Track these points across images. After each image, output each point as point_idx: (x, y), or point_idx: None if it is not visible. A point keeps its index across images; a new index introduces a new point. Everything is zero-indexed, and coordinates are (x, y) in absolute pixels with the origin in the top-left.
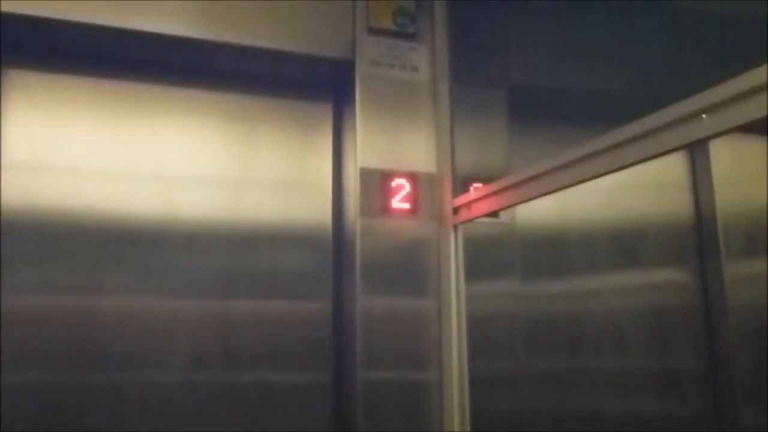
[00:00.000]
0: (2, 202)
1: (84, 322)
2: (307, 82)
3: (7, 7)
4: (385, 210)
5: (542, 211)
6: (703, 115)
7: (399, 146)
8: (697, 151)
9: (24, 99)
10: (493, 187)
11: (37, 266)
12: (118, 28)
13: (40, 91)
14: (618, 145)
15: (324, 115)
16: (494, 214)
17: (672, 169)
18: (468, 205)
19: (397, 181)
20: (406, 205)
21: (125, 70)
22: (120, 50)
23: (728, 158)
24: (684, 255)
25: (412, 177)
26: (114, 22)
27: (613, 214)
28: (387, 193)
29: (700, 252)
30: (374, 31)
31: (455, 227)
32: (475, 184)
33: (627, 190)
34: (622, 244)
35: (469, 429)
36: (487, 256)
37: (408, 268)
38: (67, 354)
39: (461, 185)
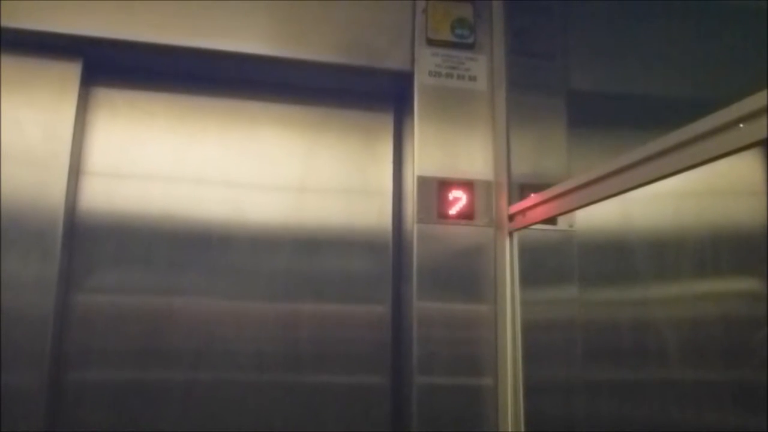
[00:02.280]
0: (84, 206)
1: (156, 322)
2: (369, 94)
3: (93, 31)
4: (442, 217)
5: (605, 218)
6: (741, 125)
7: (456, 154)
8: None
9: (108, 114)
10: (546, 194)
11: (113, 268)
12: (194, 48)
13: (122, 106)
14: (659, 154)
15: (385, 124)
16: (552, 221)
17: (746, 173)
18: (523, 212)
19: (453, 189)
20: (463, 212)
21: (199, 85)
22: (195, 68)
23: None
24: (756, 263)
25: (469, 185)
26: (190, 42)
27: (681, 220)
28: (444, 200)
29: None
30: (433, 43)
31: (511, 234)
32: (533, 192)
33: (697, 195)
34: (690, 252)
35: None
36: (545, 263)
37: (464, 275)
38: (139, 352)
39: (519, 193)
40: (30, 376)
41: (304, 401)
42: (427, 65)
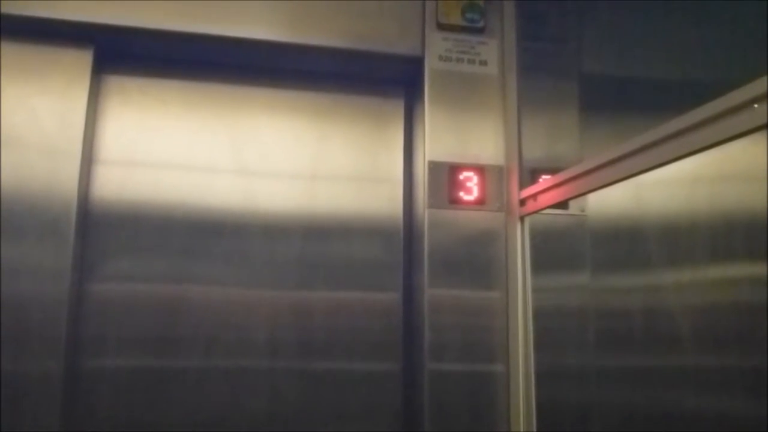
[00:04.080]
0: (97, 194)
1: (169, 310)
2: (379, 79)
3: (104, 19)
4: (453, 202)
5: (616, 203)
6: (755, 105)
7: (467, 139)
8: None
9: (120, 102)
10: (557, 178)
11: (126, 256)
12: (205, 34)
13: (134, 94)
14: (672, 136)
15: (395, 110)
16: (563, 205)
17: (761, 157)
18: (534, 196)
19: (464, 174)
20: (474, 198)
21: (210, 72)
22: (206, 55)
23: None
24: None
25: (480, 169)
26: (202, 29)
27: (693, 206)
28: (455, 185)
29: None
30: (443, 27)
31: (522, 219)
32: (545, 176)
33: (710, 180)
34: (702, 238)
35: (534, 421)
36: (557, 248)
37: (475, 260)
38: (152, 340)
39: (531, 177)
40: (46, 363)
41: (316, 388)
42: (437, 50)
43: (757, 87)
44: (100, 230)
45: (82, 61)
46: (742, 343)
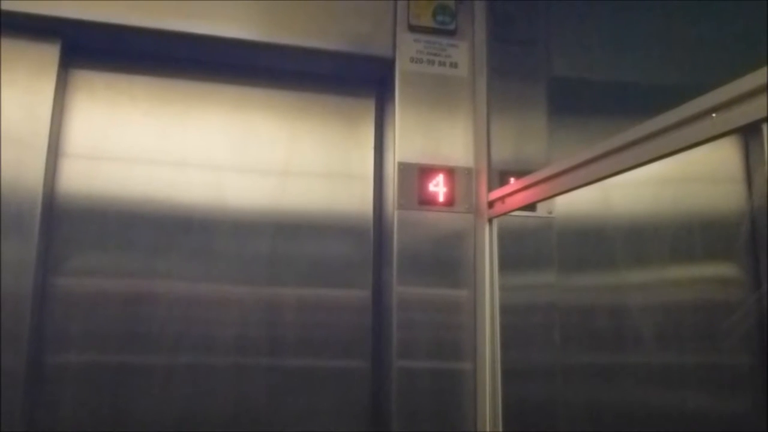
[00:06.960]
0: (63, 189)
1: (136, 306)
2: (351, 79)
3: (71, 13)
4: (423, 203)
5: (583, 205)
6: (713, 114)
7: (437, 141)
8: (751, 141)
9: (86, 96)
10: (526, 180)
11: (92, 251)
12: (174, 31)
13: (101, 88)
14: (636, 142)
15: (367, 110)
16: (531, 207)
17: (725, 160)
18: (502, 198)
19: (434, 176)
20: (443, 199)
21: (180, 69)
22: (176, 51)
23: None
24: (734, 249)
25: (449, 171)
26: (171, 26)
27: (659, 207)
28: (424, 187)
29: (752, 245)
30: (415, 29)
31: (490, 221)
32: (513, 178)
33: (676, 182)
34: (667, 238)
35: (500, 418)
36: (524, 249)
37: (444, 260)
38: (118, 336)
39: (500, 179)
40: (8, 358)
41: (285, 385)
42: (408, 51)
43: (714, 97)
44: (65, 224)
45: (49, 55)
46: (702, 341)
